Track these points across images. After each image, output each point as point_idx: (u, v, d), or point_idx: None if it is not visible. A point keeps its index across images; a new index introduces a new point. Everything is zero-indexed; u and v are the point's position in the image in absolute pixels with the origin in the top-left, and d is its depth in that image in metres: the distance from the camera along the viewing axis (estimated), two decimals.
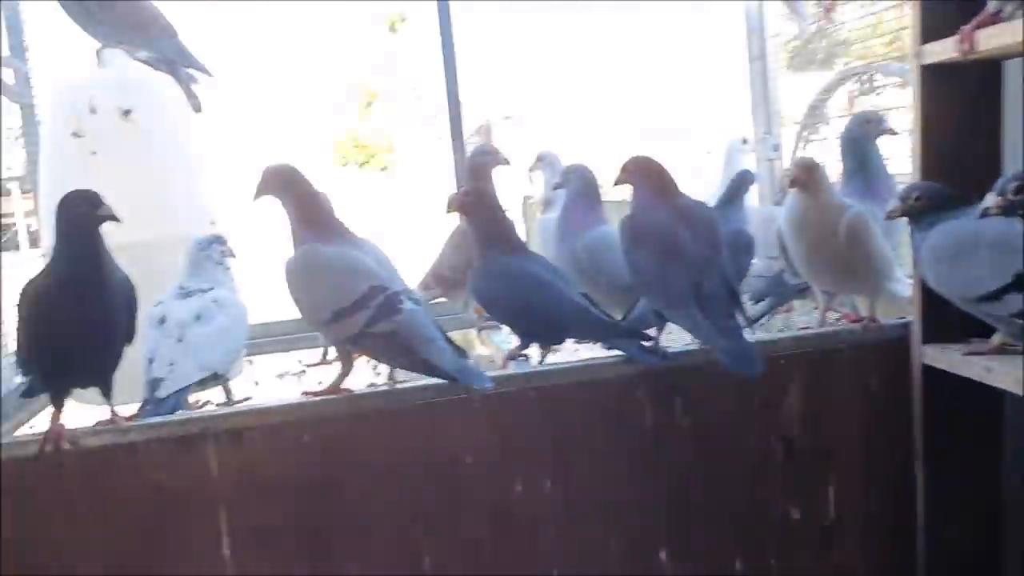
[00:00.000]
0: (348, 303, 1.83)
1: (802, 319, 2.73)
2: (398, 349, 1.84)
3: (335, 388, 1.97)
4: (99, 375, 1.89)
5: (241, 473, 1.89)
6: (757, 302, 2.56)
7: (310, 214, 1.91)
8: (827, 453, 2.08)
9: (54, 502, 1.86)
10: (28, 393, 1.99)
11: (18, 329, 1.83)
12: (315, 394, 1.97)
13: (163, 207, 2.42)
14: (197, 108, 2.74)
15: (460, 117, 3.09)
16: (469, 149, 2.93)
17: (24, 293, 1.83)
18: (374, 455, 1.94)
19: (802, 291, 2.55)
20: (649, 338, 2.04)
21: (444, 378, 1.85)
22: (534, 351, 2.20)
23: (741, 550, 2.09)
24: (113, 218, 1.82)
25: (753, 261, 2.54)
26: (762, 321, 2.51)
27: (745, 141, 3.13)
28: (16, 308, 1.83)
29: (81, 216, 1.79)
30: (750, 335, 1.91)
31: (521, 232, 3.09)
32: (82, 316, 1.78)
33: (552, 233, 2.55)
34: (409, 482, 1.95)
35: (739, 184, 2.52)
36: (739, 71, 3.36)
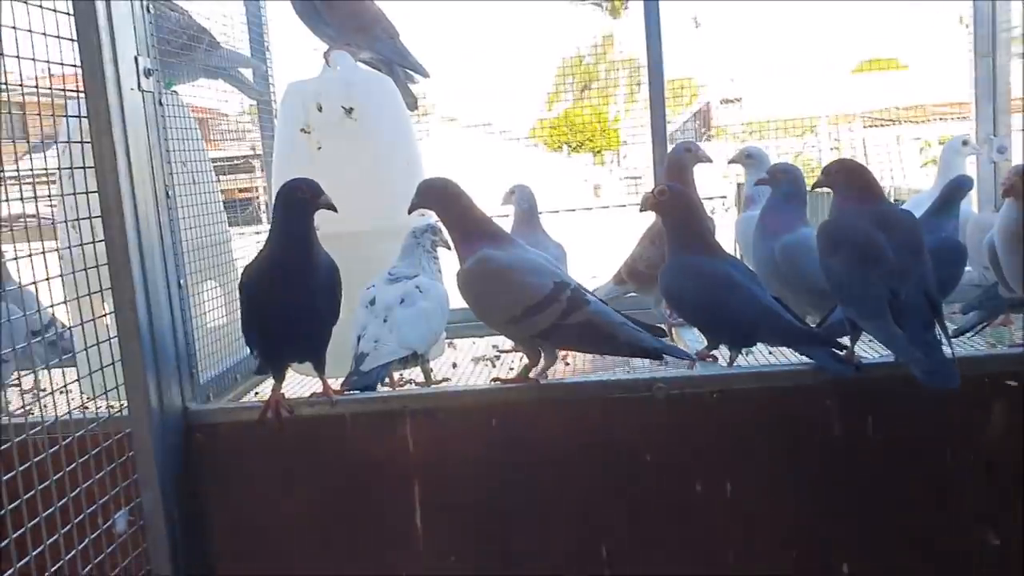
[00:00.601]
0: (538, 299, 1.93)
1: (1020, 334, 2.56)
2: (597, 335, 1.94)
3: (521, 377, 2.06)
4: (311, 351, 2.06)
5: (434, 450, 2.02)
6: (967, 314, 2.43)
7: (470, 224, 2.01)
8: None
9: (270, 463, 2.07)
10: (260, 371, 2.22)
11: (241, 307, 2.04)
12: (504, 381, 2.07)
13: (379, 200, 2.55)
14: (413, 106, 2.91)
15: (663, 110, 3.10)
16: (678, 138, 2.91)
17: (244, 274, 2.03)
18: (556, 444, 2.01)
19: (1018, 306, 2.39)
20: (842, 347, 2.00)
21: (649, 355, 1.96)
22: (724, 352, 2.22)
23: (930, 574, 2.01)
24: (331, 207, 1.98)
25: (967, 269, 2.40)
26: (969, 334, 2.37)
27: (965, 143, 2.94)
28: (239, 288, 2.04)
29: (300, 202, 1.93)
30: (949, 350, 1.81)
31: (727, 224, 3.08)
32: (293, 297, 1.95)
33: (751, 232, 2.54)
34: (588, 473, 2.02)
35: (953, 190, 2.39)
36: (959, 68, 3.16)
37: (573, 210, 3.81)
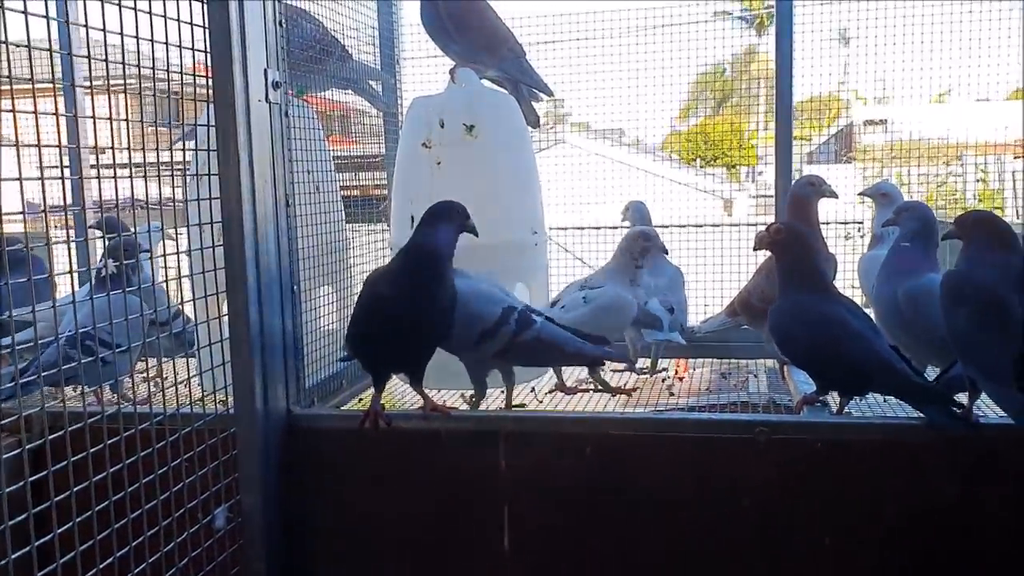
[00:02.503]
0: (489, 325, 2.13)
1: None
2: (547, 349, 2.16)
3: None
4: (415, 364, 2.10)
5: (526, 474, 2.02)
6: None
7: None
8: None
9: (367, 472, 2.10)
10: (346, 358, 2.32)
11: (358, 311, 2.07)
12: (434, 407, 2.08)
13: (492, 215, 2.51)
14: (535, 124, 2.92)
15: (790, 136, 2.99)
16: (819, 157, 2.81)
17: (374, 280, 2.05)
18: (649, 480, 1.98)
19: None
20: (959, 404, 1.90)
21: (593, 362, 2.25)
22: (834, 399, 2.15)
23: None
24: (474, 231, 2.05)
25: None
26: None
27: None
28: (363, 291, 2.07)
29: (451, 221, 2.01)
30: None
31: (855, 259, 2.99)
32: (420, 311, 1.99)
33: (875, 272, 2.44)
34: (681, 513, 1.97)
35: None
36: None
37: (700, 226, 3.74)
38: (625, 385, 2.60)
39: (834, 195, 2.63)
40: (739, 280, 3.02)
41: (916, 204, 2.42)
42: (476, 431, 2.05)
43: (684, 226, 3.79)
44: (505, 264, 2.57)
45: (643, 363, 2.88)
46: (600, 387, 2.53)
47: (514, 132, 2.69)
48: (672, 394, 2.64)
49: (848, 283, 3.02)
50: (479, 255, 2.46)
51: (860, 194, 2.98)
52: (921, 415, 1.94)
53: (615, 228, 3.63)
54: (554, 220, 3.82)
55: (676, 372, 3.00)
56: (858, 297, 2.82)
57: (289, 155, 2.11)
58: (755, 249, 2.21)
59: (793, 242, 2.13)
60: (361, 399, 2.55)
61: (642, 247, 2.54)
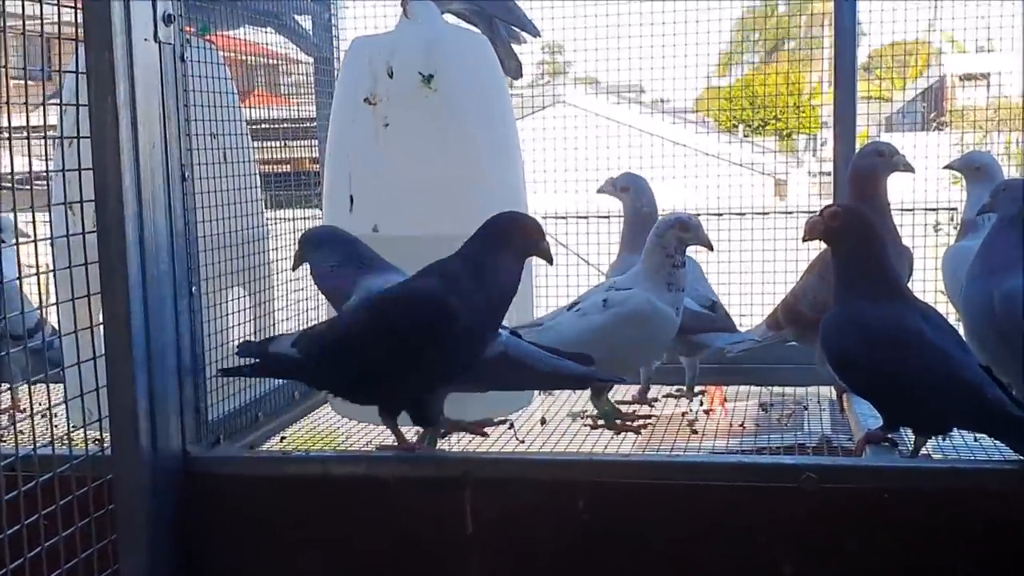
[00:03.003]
0: None
1: None
2: (514, 369, 2.14)
3: (416, 443, 2.21)
4: (434, 391, 2.16)
5: (500, 532, 2.02)
6: None
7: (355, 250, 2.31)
8: None
9: (292, 533, 2.10)
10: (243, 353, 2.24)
11: (379, 339, 2.05)
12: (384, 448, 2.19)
13: (460, 197, 2.57)
14: (517, 74, 2.93)
15: (854, 100, 3.00)
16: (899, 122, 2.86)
17: (403, 301, 2.07)
18: (664, 541, 1.99)
19: None
20: None
21: (577, 385, 2.38)
22: (908, 437, 2.20)
23: None
24: (548, 258, 2.09)
25: None
26: None
27: None
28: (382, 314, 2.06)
29: (519, 243, 2.04)
30: None
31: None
32: (468, 346, 2.05)
33: (965, 268, 2.48)
34: None
35: None
36: None
37: (743, 214, 3.74)
38: (638, 419, 2.62)
39: (909, 168, 2.64)
40: (791, 284, 3.03)
41: (1017, 183, 2.44)
42: (436, 478, 2.06)
43: (721, 214, 3.80)
44: None
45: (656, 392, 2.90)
46: (599, 422, 2.56)
47: (487, 86, 2.69)
48: (695, 432, 2.65)
49: (929, 286, 3.05)
50: (439, 251, 2.47)
51: (946, 167, 3.01)
52: (1021, 459, 1.96)
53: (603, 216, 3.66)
54: (547, 205, 3.88)
55: (711, 401, 3.02)
56: (941, 304, 2.84)
57: (186, 112, 2.11)
58: (805, 240, 2.24)
59: (855, 230, 2.15)
60: (284, 437, 2.56)
61: (679, 239, 2.53)
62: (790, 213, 3.77)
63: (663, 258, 2.52)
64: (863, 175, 2.64)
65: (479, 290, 2.00)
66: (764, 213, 3.69)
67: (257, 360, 2.16)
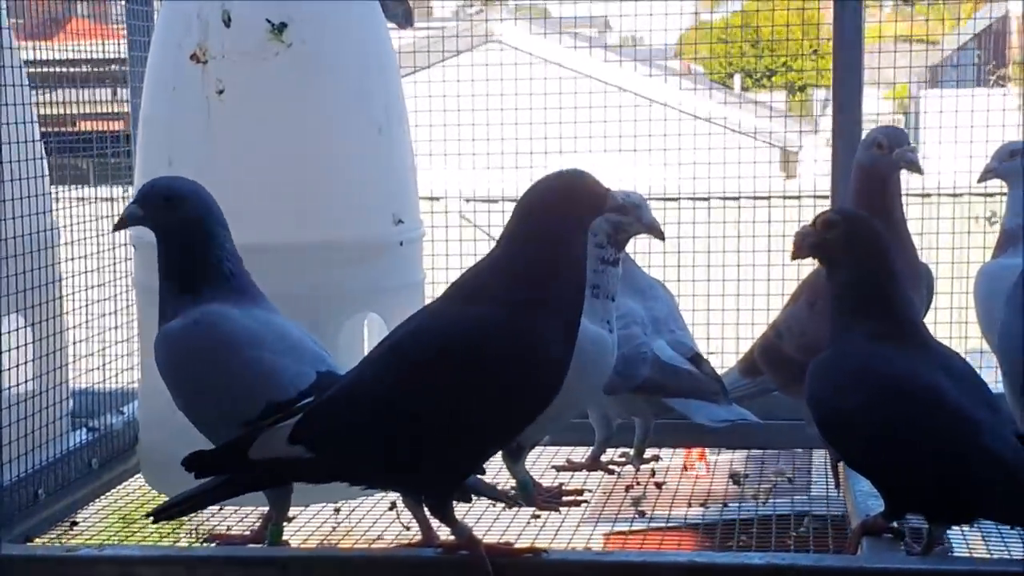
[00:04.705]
0: (291, 396, 2.13)
1: None
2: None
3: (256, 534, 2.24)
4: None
5: None
6: None
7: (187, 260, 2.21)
8: None
9: None
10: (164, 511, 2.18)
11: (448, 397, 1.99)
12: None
13: (323, 191, 2.53)
14: (405, 20, 2.84)
15: (860, 41, 2.92)
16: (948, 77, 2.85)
17: (470, 339, 1.97)
18: None
19: None
20: None
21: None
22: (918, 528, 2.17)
23: None
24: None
25: None
26: None
27: None
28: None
29: (578, 209, 1.98)
30: None
31: None
32: (559, 369, 1.98)
33: (1007, 291, 2.45)
34: None
35: None
36: None
37: (737, 197, 3.65)
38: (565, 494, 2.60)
39: (916, 168, 2.66)
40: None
41: None
42: None
43: (707, 198, 3.67)
44: (342, 279, 2.56)
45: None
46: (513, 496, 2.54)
47: (362, 38, 2.65)
48: (642, 513, 2.65)
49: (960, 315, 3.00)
50: (294, 264, 2.46)
51: (981, 179, 2.93)
52: None
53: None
54: (469, 185, 3.78)
55: (687, 456, 3.02)
56: (975, 338, 2.83)
57: None
58: (794, 257, 2.20)
59: (857, 245, 2.10)
60: (75, 523, 2.48)
61: (613, 224, 2.43)
62: (798, 198, 3.82)
63: (589, 250, 2.33)
64: (864, 173, 2.66)
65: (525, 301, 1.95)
66: (763, 197, 3.59)
67: (228, 477, 2.11)
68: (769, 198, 3.51)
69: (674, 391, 2.62)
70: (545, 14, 4.93)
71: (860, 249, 2.10)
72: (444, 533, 2.13)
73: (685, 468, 2.91)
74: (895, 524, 2.11)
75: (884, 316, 2.07)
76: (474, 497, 2.30)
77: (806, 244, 2.12)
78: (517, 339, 1.93)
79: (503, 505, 2.54)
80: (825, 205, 2.98)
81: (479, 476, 2.23)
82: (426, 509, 2.11)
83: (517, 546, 2.13)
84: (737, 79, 8.35)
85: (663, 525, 2.64)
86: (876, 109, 4.39)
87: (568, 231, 1.97)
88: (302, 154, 2.49)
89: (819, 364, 2.10)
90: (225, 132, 2.48)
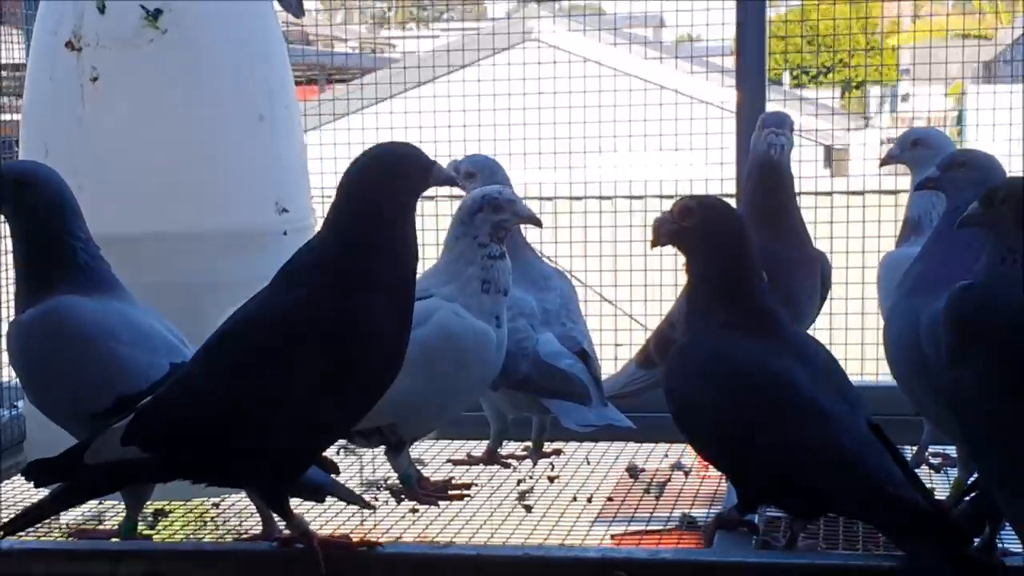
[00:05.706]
0: (142, 387, 2.10)
1: None
2: None
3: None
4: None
5: None
6: None
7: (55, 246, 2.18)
8: None
9: None
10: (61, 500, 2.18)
11: (268, 382, 1.98)
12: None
13: (200, 179, 2.50)
14: (297, 9, 2.80)
15: (763, 31, 3.02)
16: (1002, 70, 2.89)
17: (289, 319, 1.97)
18: None
19: None
20: (971, 540, 1.92)
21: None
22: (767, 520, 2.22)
23: None
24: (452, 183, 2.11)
25: None
26: None
27: None
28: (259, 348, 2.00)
29: (406, 180, 1.98)
30: None
31: None
32: (397, 350, 1.99)
33: (900, 279, 2.43)
34: None
35: None
36: None
37: None
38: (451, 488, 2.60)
39: (779, 153, 2.64)
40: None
41: (973, 154, 2.46)
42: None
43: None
44: (224, 268, 2.53)
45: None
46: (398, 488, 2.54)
47: (241, 25, 2.62)
48: (529, 508, 2.62)
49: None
50: (166, 254, 2.47)
51: (883, 162, 3.00)
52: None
53: (604, 198, 3.65)
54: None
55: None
56: None
57: None
58: (653, 245, 2.19)
59: (712, 233, 2.10)
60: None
61: (492, 223, 2.46)
62: (844, 195, 3.74)
63: (473, 249, 2.45)
64: (762, 165, 2.66)
65: (354, 273, 1.95)
66: (811, 193, 3.53)
67: (67, 485, 2.11)
68: (811, 193, 3.49)
69: (549, 391, 2.63)
70: (600, 11, 4.96)
71: (716, 238, 2.10)
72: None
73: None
74: (749, 518, 2.11)
75: (738, 305, 2.07)
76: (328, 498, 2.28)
77: (663, 232, 2.12)
78: (337, 320, 1.92)
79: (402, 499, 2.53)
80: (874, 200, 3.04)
81: (334, 477, 2.21)
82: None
83: (354, 539, 2.11)
84: (786, 76, 8.27)
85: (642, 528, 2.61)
86: (928, 106, 4.53)
87: (392, 206, 1.96)
88: (178, 142, 2.49)
89: (672, 356, 2.12)
90: (99, 120, 2.47)
